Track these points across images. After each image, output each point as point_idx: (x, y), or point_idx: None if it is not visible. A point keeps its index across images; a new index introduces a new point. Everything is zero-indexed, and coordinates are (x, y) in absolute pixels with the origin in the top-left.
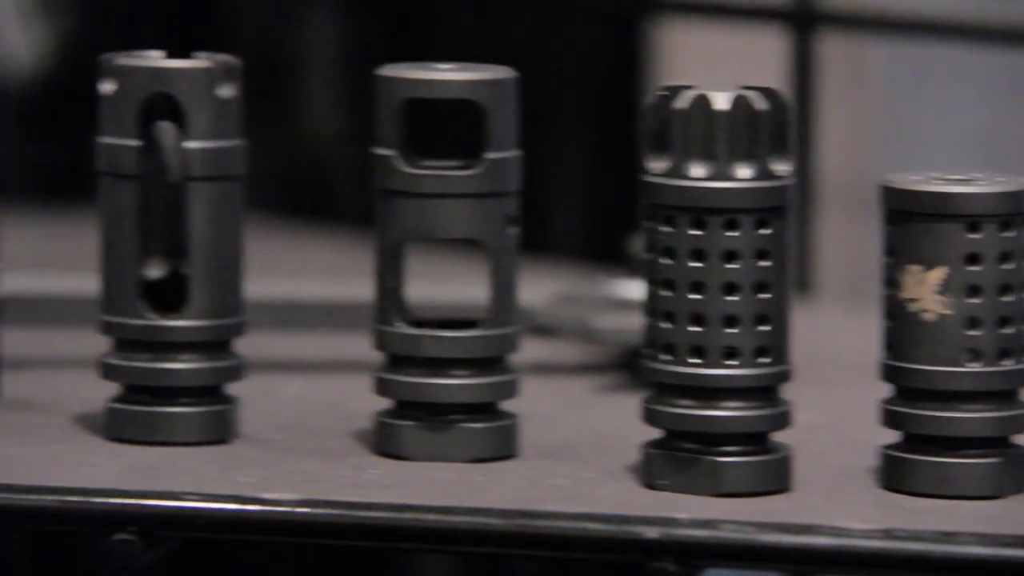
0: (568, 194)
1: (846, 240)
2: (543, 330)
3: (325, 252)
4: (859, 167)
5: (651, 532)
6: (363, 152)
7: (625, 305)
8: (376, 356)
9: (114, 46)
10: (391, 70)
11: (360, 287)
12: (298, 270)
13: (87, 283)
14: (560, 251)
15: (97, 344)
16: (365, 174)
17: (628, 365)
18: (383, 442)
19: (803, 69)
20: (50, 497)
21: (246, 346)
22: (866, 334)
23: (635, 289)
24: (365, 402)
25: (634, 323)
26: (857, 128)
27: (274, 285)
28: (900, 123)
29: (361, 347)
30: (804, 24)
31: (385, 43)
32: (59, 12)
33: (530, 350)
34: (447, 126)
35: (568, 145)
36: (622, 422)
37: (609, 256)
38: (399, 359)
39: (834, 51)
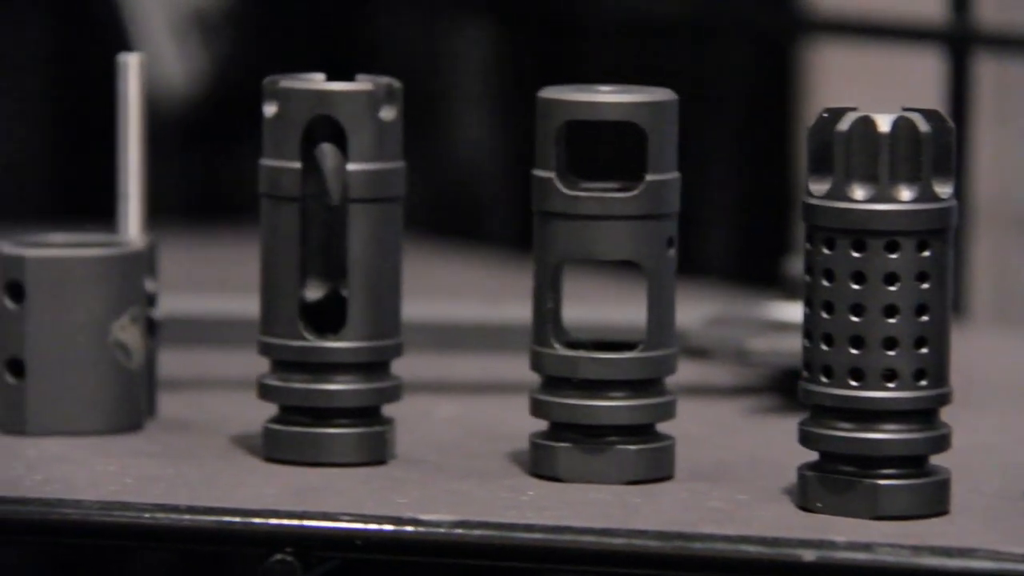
0: (722, 215)
1: (993, 262)
2: (697, 352)
3: (478, 273)
4: (1006, 189)
5: (808, 555)
6: (515, 172)
7: (779, 327)
8: (531, 377)
9: (267, 68)
10: (551, 92)
11: (514, 308)
12: (452, 291)
13: (243, 304)
14: (714, 273)
15: (254, 365)
16: (517, 194)
17: (783, 387)
18: (539, 463)
19: (958, 90)
20: (208, 518)
21: (401, 367)
22: (1021, 357)
23: (789, 311)
24: (520, 423)
25: (788, 345)
26: (1003, 149)
27: (429, 306)
28: None
29: (516, 368)
30: (960, 44)
31: (536, 63)
32: (212, 35)
33: (684, 372)
34: (606, 147)
35: (721, 166)
36: (777, 444)
37: (763, 278)
38: (556, 380)
39: (981, 71)
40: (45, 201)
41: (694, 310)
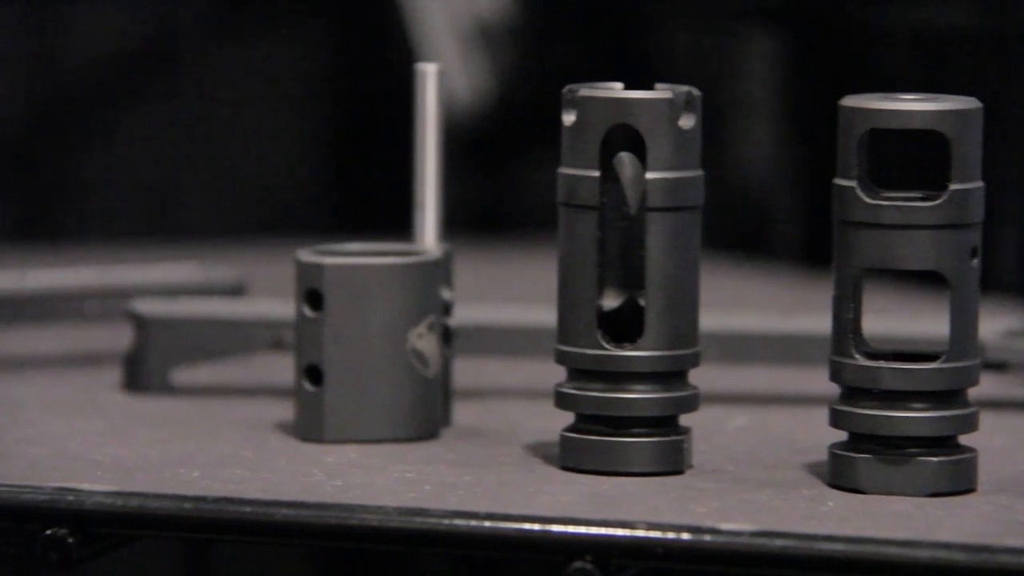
0: (1017, 226)
1: None
2: (996, 365)
3: (768, 285)
4: None
5: None
6: (803, 183)
7: None
8: (823, 388)
9: (552, 80)
10: (854, 100)
11: (805, 320)
12: (742, 302)
13: (535, 313)
14: (1013, 285)
15: (547, 374)
16: (805, 205)
17: None
18: (838, 474)
19: None
20: (508, 525)
21: (694, 378)
22: None
23: None
24: (815, 434)
25: None
26: None
27: (721, 317)
28: None
29: (807, 379)
30: None
31: (823, 73)
32: (497, 47)
33: (984, 385)
34: (907, 155)
35: (1019, 176)
36: None
37: None
38: (855, 391)
39: None
40: (334, 213)
41: (993, 322)
